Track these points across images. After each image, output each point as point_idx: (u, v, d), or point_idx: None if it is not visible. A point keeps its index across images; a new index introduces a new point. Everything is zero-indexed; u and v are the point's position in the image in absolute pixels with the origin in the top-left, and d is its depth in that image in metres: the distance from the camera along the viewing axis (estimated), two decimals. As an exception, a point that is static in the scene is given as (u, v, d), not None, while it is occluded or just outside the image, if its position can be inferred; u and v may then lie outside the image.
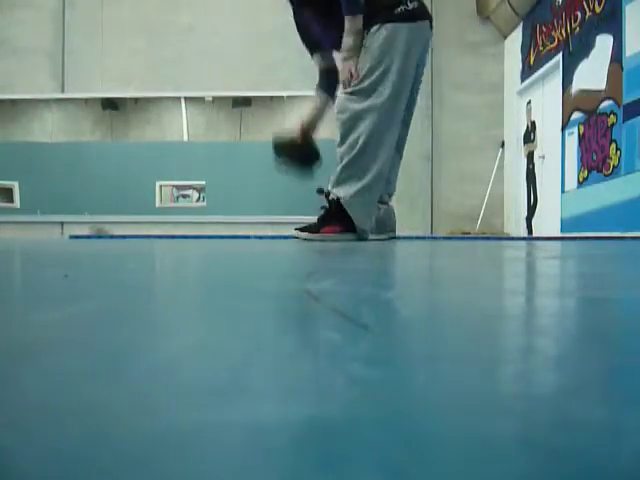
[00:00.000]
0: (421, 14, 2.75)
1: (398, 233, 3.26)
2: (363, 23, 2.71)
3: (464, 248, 2.17)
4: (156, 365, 0.30)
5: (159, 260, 1.55)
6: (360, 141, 2.69)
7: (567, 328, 0.45)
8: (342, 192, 2.73)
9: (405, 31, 2.68)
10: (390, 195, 3.12)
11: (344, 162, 2.73)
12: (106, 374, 0.28)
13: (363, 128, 2.69)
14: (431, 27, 2.84)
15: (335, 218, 2.75)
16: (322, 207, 2.85)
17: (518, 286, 0.84)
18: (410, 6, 2.67)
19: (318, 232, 2.75)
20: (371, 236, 2.88)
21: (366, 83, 2.70)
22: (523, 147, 7.49)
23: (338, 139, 2.77)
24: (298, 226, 2.88)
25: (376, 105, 2.69)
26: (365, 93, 2.71)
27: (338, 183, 2.75)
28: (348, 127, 2.73)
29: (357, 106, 2.71)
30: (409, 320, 0.48)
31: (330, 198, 2.79)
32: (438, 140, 8.00)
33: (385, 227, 3.07)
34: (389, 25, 2.67)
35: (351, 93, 2.74)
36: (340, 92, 2.84)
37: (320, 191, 2.89)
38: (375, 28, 2.69)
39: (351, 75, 2.73)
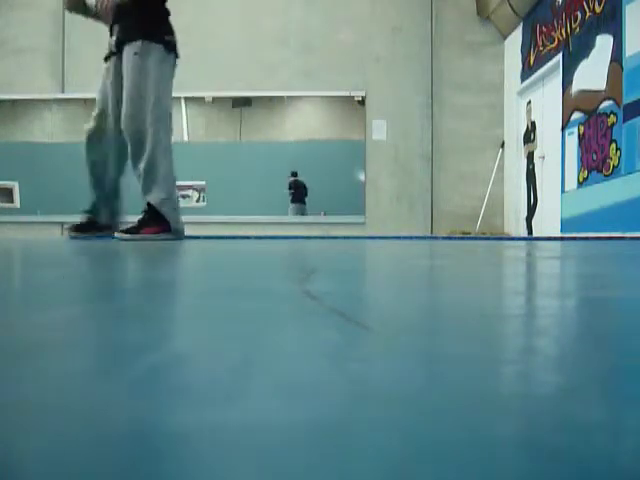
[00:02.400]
0: (176, 49, 3.07)
1: (399, 233, 3.26)
2: (139, 26, 2.98)
3: (464, 248, 2.17)
4: (156, 365, 0.30)
5: (159, 260, 1.55)
6: (147, 153, 2.97)
7: (567, 328, 0.45)
8: (152, 198, 2.97)
9: (171, 59, 3.01)
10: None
11: (142, 173, 3.00)
12: (106, 374, 0.28)
13: (149, 142, 2.96)
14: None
15: (153, 220, 2.99)
16: (143, 211, 3.06)
17: (519, 286, 0.84)
18: (173, 39, 3.04)
19: (138, 233, 2.96)
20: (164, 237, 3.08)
21: (142, 100, 2.96)
22: (523, 147, 7.48)
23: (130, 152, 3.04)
24: (124, 228, 3.09)
25: (155, 119, 2.95)
26: (142, 110, 2.96)
27: (146, 191, 3.01)
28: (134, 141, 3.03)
29: (136, 124, 2.98)
30: (410, 320, 0.48)
31: (146, 203, 3.02)
32: (438, 140, 7.99)
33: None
34: (161, 47, 2.95)
35: (129, 111, 3.00)
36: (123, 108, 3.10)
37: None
38: (148, 43, 2.94)
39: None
